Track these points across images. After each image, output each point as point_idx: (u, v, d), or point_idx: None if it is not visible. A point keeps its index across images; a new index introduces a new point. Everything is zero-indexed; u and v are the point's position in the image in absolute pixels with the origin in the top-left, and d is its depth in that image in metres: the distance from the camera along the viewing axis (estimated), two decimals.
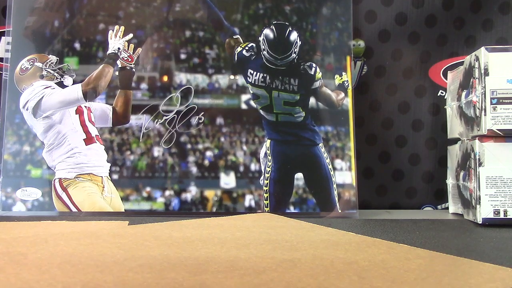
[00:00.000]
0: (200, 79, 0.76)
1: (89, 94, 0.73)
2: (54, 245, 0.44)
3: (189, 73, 0.76)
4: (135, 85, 0.75)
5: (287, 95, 0.74)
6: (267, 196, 0.74)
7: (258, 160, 0.75)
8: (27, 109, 0.73)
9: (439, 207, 0.88)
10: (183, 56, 0.76)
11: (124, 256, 0.40)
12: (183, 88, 0.75)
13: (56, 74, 0.74)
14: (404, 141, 0.88)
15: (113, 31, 0.75)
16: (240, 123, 0.75)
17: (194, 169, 0.75)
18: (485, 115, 0.63)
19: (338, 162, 0.75)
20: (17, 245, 0.43)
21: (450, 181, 0.80)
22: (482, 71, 0.64)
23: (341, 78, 0.76)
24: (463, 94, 0.72)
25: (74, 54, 0.75)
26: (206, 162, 0.75)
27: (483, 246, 0.50)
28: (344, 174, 0.75)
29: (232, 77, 0.76)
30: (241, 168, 0.75)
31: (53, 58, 0.75)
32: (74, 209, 0.72)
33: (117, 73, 0.75)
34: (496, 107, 0.63)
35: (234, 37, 0.76)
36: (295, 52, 0.74)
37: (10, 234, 0.53)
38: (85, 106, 0.74)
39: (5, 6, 0.77)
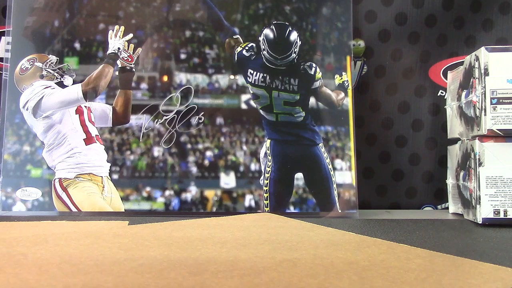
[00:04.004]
0: (200, 79, 0.76)
1: (89, 94, 0.73)
2: (54, 245, 0.44)
3: (189, 73, 0.76)
4: (135, 85, 0.75)
5: (287, 95, 0.74)
6: (267, 196, 0.74)
7: (258, 160, 0.75)
8: (27, 109, 0.73)
9: (439, 207, 0.88)
10: (183, 56, 0.76)
11: (124, 256, 0.40)
12: (183, 88, 0.75)
13: (56, 74, 0.74)
14: (404, 141, 0.88)
15: (113, 31, 0.75)
16: (240, 123, 0.75)
17: (194, 169, 0.75)
18: (485, 115, 0.63)
19: (338, 162, 0.75)
20: (17, 245, 0.43)
21: (450, 181, 0.80)
22: (482, 71, 0.64)
23: (341, 78, 0.76)
24: (463, 94, 0.72)
25: (74, 54, 0.75)
26: (206, 162, 0.75)
27: (483, 246, 0.50)
28: (344, 174, 0.75)
29: (232, 77, 0.76)
30: (241, 168, 0.75)
31: (53, 58, 0.75)
32: (74, 209, 0.72)
33: (117, 73, 0.75)
34: (496, 107, 0.63)
35: (234, 37, 0.76)
36: (295, 52, 0.74)
37: (10, 234, 0.53)
38: (85, 106, 0.74)
39: (5, 6, 0.77)
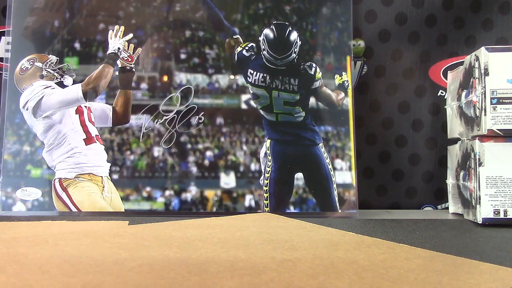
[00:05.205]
0: (200, 79, 0.76)
1: (89, 94, 0.73)
2: (54, 245, 0.44)
3: (189, 73, 0.76)
4: (135, 85, 0.75)
5: (287, 95, 0.74)
6: (267, 196, 0.74)
7: (258, 160, 0.75)
8: (27, 109, 0.73)
9: (439, 207, 0.88)
10: (183, 56, 0.76)
11: (124, 256, 0.40)
12: (183, 88, 0.75)
13: (56, 74, 0.74)
14: (404, 141, 0.88)
15: (113, 31, 0.75)
16: (240, 123, 0.75)
17: (194, 169, 0.75)
18: (485, 115, 0.63)
19: (338, 162, 0.75)
20: (17, 245, 0.43)
21: (450, 181, 0.80)
22: (482, 71, 0.64)
23: (341, 78, 0.76)
24: (463, 94, 0.72)
25: (74, 54, 0.75)
26: (206, 162, 0.75)
27: (483, 246, 0.50)
28: (344, 174, 0.75)
29: (232, 77, 0.76)
30: (241, 168, 0.75)
31: (53, 58, 0.75)
32: (74, 209, 0.72)
33: (117, 73, 0.75)
34: (496, 107, 0.63)
35: (234, 37, 0.76)
36: (295, 52, 0.74)
37: (10, 234, 0.53)
38: (85, 106, 0.74)
39: (5, 6, 0.77)
